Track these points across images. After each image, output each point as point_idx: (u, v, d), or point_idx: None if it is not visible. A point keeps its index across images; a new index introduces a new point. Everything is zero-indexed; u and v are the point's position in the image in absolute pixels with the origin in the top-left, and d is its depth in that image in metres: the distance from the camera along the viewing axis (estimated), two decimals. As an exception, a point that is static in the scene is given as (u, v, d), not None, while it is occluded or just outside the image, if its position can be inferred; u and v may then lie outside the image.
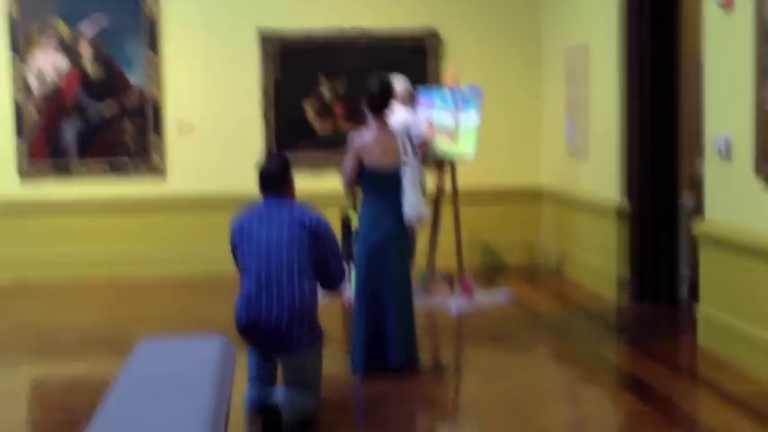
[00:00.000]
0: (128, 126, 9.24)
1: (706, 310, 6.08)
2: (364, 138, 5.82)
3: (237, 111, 9.31)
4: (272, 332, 4.72)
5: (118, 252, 9.24)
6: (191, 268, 9.13)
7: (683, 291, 7.42)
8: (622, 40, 7.46)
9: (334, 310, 7.45)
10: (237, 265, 4.95)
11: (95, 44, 9.14)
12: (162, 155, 9.28)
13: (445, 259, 8.21)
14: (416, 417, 5.20)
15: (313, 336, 4.85)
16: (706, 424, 4.86)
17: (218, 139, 9.29)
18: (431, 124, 7.98)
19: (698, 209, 6.92)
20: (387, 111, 5.90)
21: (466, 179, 8.48)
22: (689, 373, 5.90)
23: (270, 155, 5.43)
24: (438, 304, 7.65)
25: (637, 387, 5.52)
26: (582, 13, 8.36)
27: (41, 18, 9.05)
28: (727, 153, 5.75)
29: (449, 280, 8.04)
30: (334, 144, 9.17)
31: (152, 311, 7.86)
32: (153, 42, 9.18)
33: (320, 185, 8.92)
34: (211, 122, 9.30)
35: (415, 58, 9.32)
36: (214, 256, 8.68)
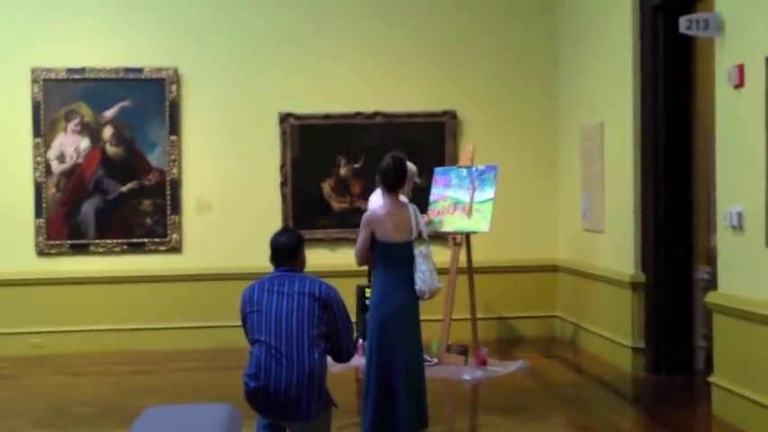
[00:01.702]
0: (146, 206, 9.40)
1: (720, 380, 6.16)
2: (377, 212, 5.96)
3: (256, 189, 9.48)
4: (281, 399, 4.71)
5: (132, 325, 9.29)
6: (209, 341, 9.19)
7: (699, 362, 7.49)
8: (637, 118, 7.68)
9: (347, 379, 7.49)
10: (247, 335, 4.94)
11: (117, 124, 9.32)
12: (180, 233, 9.43)
13: (460, 332, 8.31)
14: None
15: (321, 403, 4.84)
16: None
17: (237, 217, 9.44)
18: (438, 212, 8.16)
19: (712, 282, 7.03)
20: (400, 187, 6.04)
21: (484, 254, 8.64)
22: (705, 443, 5.97)
23: (283, 229, 5.51)
24: (452, 375, 7.70)
25: (652, 456, 5.59)
26: (598, 93, 8.60)
27: (67, 104, 9.27)
28: (739, 226, 5.89)
29: (463, 352, 8.12)
30: (350, 220, 9.35)
31: (163, 383, 7.92)
32: (174, 124, 9.38)
33: (336, 261, 9.07)
34: (230, 201, 9.45)
35: (433, 137, 9.54)
36: (230, 328, 8.86)
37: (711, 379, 6.28)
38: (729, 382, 6.02)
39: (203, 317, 9.32)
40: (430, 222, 8.03)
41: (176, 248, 9.44)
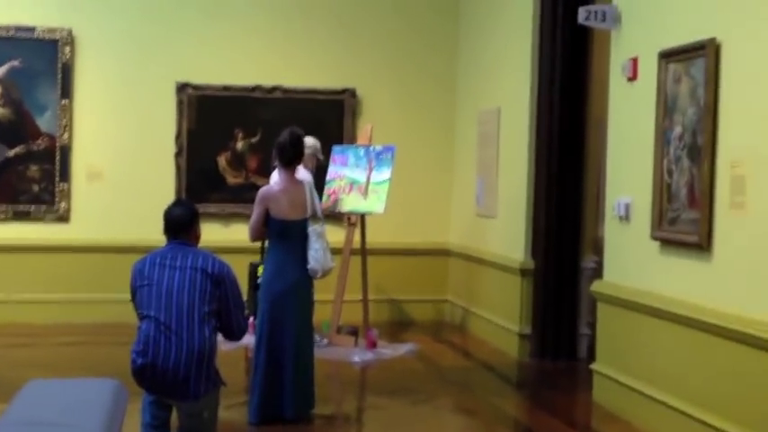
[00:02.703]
0: (34, 172, 9.10)
1: (601, 367, 6.29)
2: (272, 189, 5.92)
3: (149, 159, 9.29)
4: (169, 377, 4.63)
5: (15, 296, 8.99)
6: (93, 314, 8.97)
7: (582, 349, 7.65)
8: (533, 106, 7.77)
9: (236, 357, 7.42)
10: (136, 310, 4.83)
11: (5, 84, 8.99)
12: (68, 201, 9.17)
13: (351, 313, 8.31)
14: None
15: (210, 382, 4.76)
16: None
17: (128, 187, 9.23)
18: (333, 191, 8.14)
19: (598, 271, 7.18)
20: (297, 164, 6.00)
21: (377, 235, 8.62)
22: (584, 427, 6.08)
23: (177, 201, 5.38)
24: (342, 356, 7.69)
25: (533, 439, 5.69)
26: (496, 79, 8.67)
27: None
28: (626, 217, 6.02)
29: (353, 333, 8.12)
30: (244, 196, 9.24)
31: (47, 357, 7.69)
32: (66, 88, 9.10)
33: (229, 237, 8.98)
34: (122, 170, 9.24)
35: (332, 114, 9.49)
36: (117, 302, 8.67)
37: (593, 366, 6.42)
38: (610, 369, 6.16)
39: (90, 289, 9.10)
40: (337, 201, 8.02)
41: (64, 218, 9.19)
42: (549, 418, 6.10)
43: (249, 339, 6.75)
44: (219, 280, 4.80)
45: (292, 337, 5.79)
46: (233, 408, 5.79)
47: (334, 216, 8.29)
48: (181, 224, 4.92)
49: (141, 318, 4.77)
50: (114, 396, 4.05)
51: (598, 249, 7.62)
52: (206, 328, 4.71)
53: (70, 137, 9.15)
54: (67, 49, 9.10)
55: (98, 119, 9.24)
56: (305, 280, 5.92)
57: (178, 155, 9.34)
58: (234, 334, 5.00)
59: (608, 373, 6.17)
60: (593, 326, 7.21)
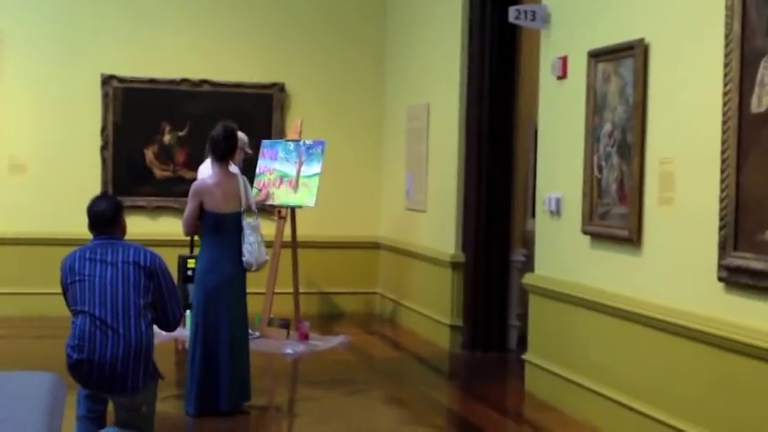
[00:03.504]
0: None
1: (533, 357, 6.46)
2: (207, 182, 5.94)
3: (75, 152, 9.17)
4: (106, 372, 4.60)
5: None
6: (18, 308, 8.86)
7: (512, 341, 7.84)
8: (463, 102, 7.90)
9: (166, 350, 7.40)
10: (69, 306, 4.77)
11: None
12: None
13: (282, 306, 8.34)
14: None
15: (148, 376, 4.75)
16: (531, 462, 5.20)
17: (53, 180, 9.12)
18: (264, 184, 8.16)
19: (528, 264, 7.36)
20: (230, 157, 6.03)
21: (307, 228, 8.68)
22: (516, 415, 6.24)
23: (100, 195, 5.33)
24: (274, 349, 7.73)
25: (467, 428, 5.82)
26: (425, 75, 8.78)
27: None
28: (557, 212, 6.19)
29: (285, 325, 8.16)
30: (172, 189, 9.22)
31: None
32: (-13, 80, 8.96)
33: (157, 230, 8.95)
34: (46, 163, 9.11)
35: (261, 109, 9.49)
36: (40, 295, 8.59)
37: (525, 356, 6.58)
38: (541, 359, 6.33)
39: (13, 283, 8.99)
40: (268, 195, 8.04)
41: (-15, 209, 9.01)
42: (482, 407, 6.24)
43: (180, 331, 6.76)
44: (152, 272, 4.79)
45: (227, 330, 5.83)
46: (167, 400, 5.80)
47: (263, 209, 8.29)
48: (105, 219, 4.87)
49: (75, 313, 4.72)
50: (53, 389, 4.01)
51: (527, 243, 7.82)
52: (142, 322, 4.70)
53: (-8, 128, 8.98)
54: (-10, 42, 8.95)
55: (21, 111, 9.10)
56: (239, 273, 5.94)
57: (104, 148, 9.25)
58: (170, 325, 4.99)
59: (540, 363, 6.33)
60: (522, 318, 7.39)
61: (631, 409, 5.24)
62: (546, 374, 6.23)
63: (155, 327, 4.87)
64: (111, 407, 4.90)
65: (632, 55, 5.31)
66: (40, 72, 9.13)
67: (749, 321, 4.37)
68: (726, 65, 4.48)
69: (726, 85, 4.49)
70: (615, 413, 5.39)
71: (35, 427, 3.45)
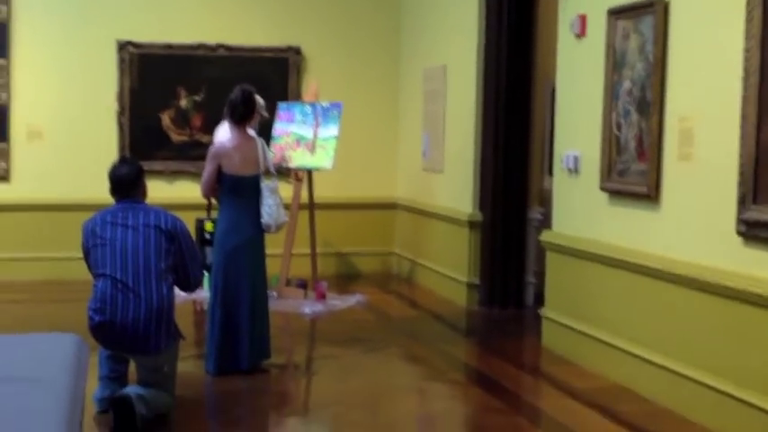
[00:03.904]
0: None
1: (551, 313, 6.53)
2: (225, 145, 5.98)
3: (92, 118, 9.19)
4: (128, 333, 4.69)
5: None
6: (38, 273, 8.94)
7: (529, 297, 7.90)
8: (480, 63, 7.90)
9: (184, 310, 7.48)
10: (90, 269, 4.87)
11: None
12: (8, 161, 9.05)
13: (300, 267, 8.42)
14: (269, 413, 5.34)
15: (170, 336, 4.86)
16: (549, 414, 5.27)
17: (71, 146, 9.14)
18: (280, 147, 8.20)
19: (545, 222, 7.40)
20: (248, 120, 6.07)
21: (324, 190, 8.74)
22: (534, 370, 6.31)
23: (121, 159, 5.39)
24: (292, 309, 7.81)
25: (485, 383, 5.87)
26: (441, 36, 8.78)
27: None
28: (575, 170, 6.22)
29: (303, 286, 8.24)
30: (189, 153, 9.27)
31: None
32: (3, 47, 8.92)
33: (174, 194, 8.98)
34: (63, 129, 9.14)
35: (277, 72, 9.50)
36: (60, 260, 8.69)
37: (542, 312, 6.65)
38: (558, 314, 6.40)
39: (33, 248, 9.07)
40: (284, 157, 8.08)
41: (3, 177, 9.08)
42: (500, 362, 6.31)
43: (198, 293, 6.84)
44: (173, 235, 4.87)
45: (247, 291, 5.90)
46: (187, 360, 5.87)
47: (280, 172, 8.34)
48: (128, 182, 4.96)
49: (96, 276, 4.81)
50: (76, 350, 4.08)
51: (544, 201, 7.85)
52: (163, 285, 4.79)
53: (8, 96, 9.00)
54: (4, 8, 8.93)
55: (37, 78, 9.11)
56: (258, 235, 6.00)
57: (121, 113, 9.28)
58: (191, 286, 5.11)
59: (557, 318, 6.40)
60: (539, 275, 7.44)
61: (649, 362, 5.31)
62: (563, 329, 6.30)
63: (175, 288, 4.95)
64: (132, 367, 4.99)
65: (652, 12, 5.31)
66: (55, 38, 9.13)
67: (768, 274, 4.41)
68: (747, 21, 4.49)
69: (747, 41, 4.50)
70: (632, 367, 5.47)
71: (61, 386, 3.51)
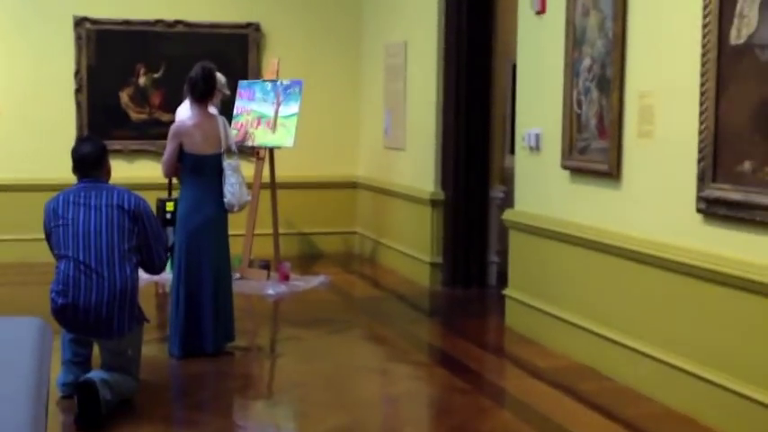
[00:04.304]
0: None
1: (514, 292, 6.53)
2: (186, 124, 5.90)
3: (48, 96, 9.05)
4: (91, 316, 4.63)
5: None
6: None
7: (492, 277, 7.90)
8: (441, 40, 7.85)
9: (146, 293, 7.40)
10: (52, 250, 4.80)
11: None
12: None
13: (262, 247, 8.36)
14: (234, 395, 5.31)
15: (134, 319, 4.80)
16: (513, 394, 5.27)
17: (28, 125, 8.99)
18: (242, 125, 8.12)
19: (506, 201, 7.40)
20: (209, 98, 5.99)
21: (285, 169, 8.66)
22: (498, 350, 6.31)
23: (84, 138, 5.31)
24: (255, 290, 7.76)
25: (449, 363, 5.86)
26: (402, 12, 8.72)
27: None
28: (536, 148, 6.21)
29: (265, 267, 8.19)
30: (149, 132, 9.17)
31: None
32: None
33: (134, 173, 8.87)
34: (20, 108, 8.97)
35: (237, 49, 9.39)
36: (18, 242, 8.55)
37: (505, 291, 6.64)
38: (521, 294, 6.40)
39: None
40: (246, 135, 8.01)
41: (-40, 155, 8.93)
42: (464, 342, 6.30)
43: (160, 275, 6.76)
44: (137, 215, 4.81)
45: (210, 272, 5.84)
46: (150, 342, 5.79)
47: (242, 150, 8.26)
48: (90, 161, 4.89)
49: (59, 258, 4.74)
50: (40, 334, 4.01)
51: (505, 180, 7.85)
52: (127, 266, 4.73)
53: (-37, 75, 8.86)
54: (-43, -18, 8.77)
55: (-7, 55, 8.96)
56: (221, 214, 5.94)
57: (78, 91, 9.14)
58: (155, 268, 5.04)
59: (520, 298, 6.40)
60: (502, 254, 7.45)
61: (612, 341, 5.33)
62: (526, 309, 6.30)
63: (139, 270, 4.89)
64: (96, 351, 4.93)
65: (611, -12, 5.29)
66: (10, 14, 8.96)
67: (728, 252, 4.43)
68: (705, -3, 4.48)
69: (705, 17, 4.50)
70: (596, 346, 5.48)
71: (25, 370, 3.46)
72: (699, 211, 4.60)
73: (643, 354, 5.03)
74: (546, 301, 6.07)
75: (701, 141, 4.55)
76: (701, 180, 4.56)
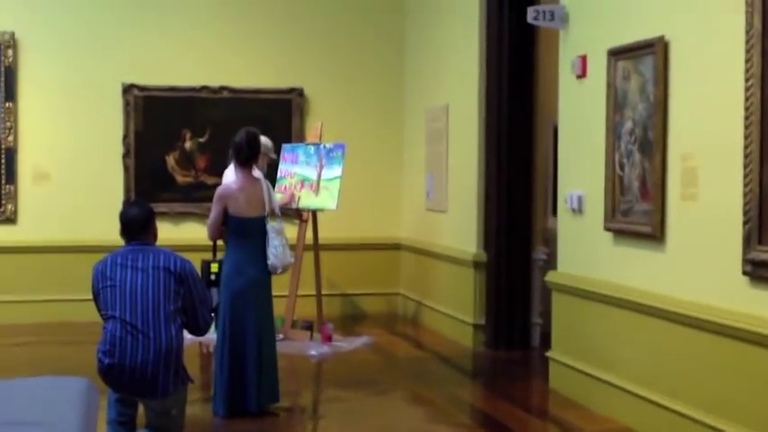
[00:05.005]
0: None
1: (557, 355, 6.49)
2: (231, 187, 6.00)
3: (97, 160, 9.26)
4: (137, 377, 4.68)
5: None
6: (44, 315, 8.92)
7: (535, 338, 7.87)
8: (482, 103, 7.94)
9: (190, 353, 7.44)
10: (100, 312, 4.87)
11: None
12: (15, 203, 9.11)
13: (305, 308, 8.40)
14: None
15: (178, 379, 4.84)
16: (559, 458, 5.23)
17: (77, 188, 9.20)
18: (286, 188, 8.23)
19: (549, 262, 7.39)
20: (253, 162, 6.09)
21: (329, 231, 8.75)
22: (542, 413, 6.27)
23: (132, 201, 5.41)
24: (298, 351, 7.79)
25: (492, 426, 5.83)
26: (444, 76, 8.83)
27: None
28: (579, 210, 6.22)
29: (308, 327, 8.22)
30: (194, 195, 9.31)
31: (3, 358, 7.59)
32: (10, 90, 9.02)
33: (179, 235, 8.98)
34: (69, 171, 9.19)
35: (281, 114, 9.55)
36: (65, 302, 8.70)
37: (549, 354, 6.61)
38: (565, 356, 6.36)
39: (40, 290, 9.05)
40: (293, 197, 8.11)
41: (11, 219, 9.14)
42: (507, 404, 6.27)
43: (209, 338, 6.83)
44: (183, 277, 4.87)
45: (254, 333, 5.89)
46: (194, 403, 5.84)
47: (285, 213, 8.37)
48: (138, 224, 4.97)
49: (106, 318, 4.80)
50: (85, 393, 4.06)
51: (548, 241, 7.85)
52: (172, 327, 4.78)
53: (15, 139, 9.09)
54: (10, 51, 9.04)
55: (44, 121, 9.19)
56: (264, 276, 6.01)
57: (126, 156, 9.33)
58: (200, 329, 5.08)
59: (564, 360, 6.36)
60: (545, 315, 7.41)
61: (657, 404, 5.27)
62: (570, 371, 6.26)
63: (184, 331, 4.95)
64: (141, 410, 4.97)
65: (652, 52, 5.34)
66: (60, 82, 9.22)
67: (775, 314, 4.39)
68: (747, 60, 4.51)
69: (747, 80, 4.52)
70: (641, 409, 5.42)
71: (71, 430, 3.49)
72: (745, 273, 4.57)
73: (689, 417, 4.97)
74: (590, 364, 6.02)
75: (745, 203, 4.54)
76: (747, 242, 4.54)
